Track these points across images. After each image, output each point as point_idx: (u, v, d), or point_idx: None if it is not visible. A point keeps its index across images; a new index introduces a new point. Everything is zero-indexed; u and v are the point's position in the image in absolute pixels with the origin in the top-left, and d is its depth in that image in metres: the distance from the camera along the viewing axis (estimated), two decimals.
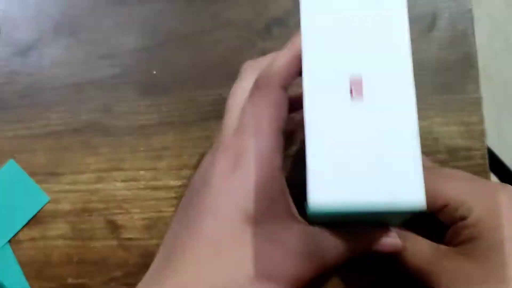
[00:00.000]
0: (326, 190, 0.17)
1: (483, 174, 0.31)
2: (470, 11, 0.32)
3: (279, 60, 0.23)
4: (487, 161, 0.31)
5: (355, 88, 0.18)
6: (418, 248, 0.25)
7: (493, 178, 0.72)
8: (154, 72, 0.33)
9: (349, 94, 0.18)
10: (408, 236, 0.25)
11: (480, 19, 0.94)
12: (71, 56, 0.33)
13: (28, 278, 0.31)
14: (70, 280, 0.31)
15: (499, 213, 0.22)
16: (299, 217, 0.24)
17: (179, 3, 0.34)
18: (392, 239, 0.24)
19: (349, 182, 0.17)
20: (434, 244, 0.25)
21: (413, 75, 0.18)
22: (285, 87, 0.24)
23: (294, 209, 0.24)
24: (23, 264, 0.31)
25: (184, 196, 0.26)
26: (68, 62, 0.33)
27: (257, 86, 0.24)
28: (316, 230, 0.23)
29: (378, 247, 0.24)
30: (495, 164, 0.75)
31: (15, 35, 0.34)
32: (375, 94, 0.18)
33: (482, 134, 0.31)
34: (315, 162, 0.18)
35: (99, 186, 0.32)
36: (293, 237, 0.22)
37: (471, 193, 0.23)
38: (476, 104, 0.31)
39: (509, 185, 0.24)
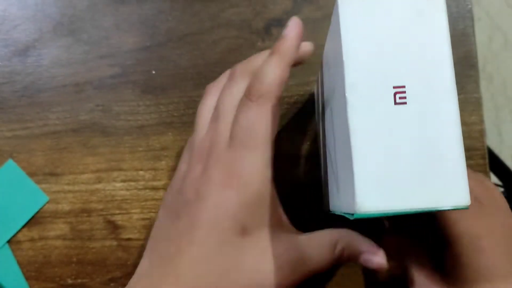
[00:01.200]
0: (372, 196, 0.18)
1: (483, 174, 0.31)
2: (470, 10, 0.32)
3: (272, 69, 0.24)
4: (487, 161, 0.31)
5: (398, 94, 0.18)
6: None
7: (493, 178, 0.72)
8: (153, 72, 0.33)
9: (392, 100, 0.18)
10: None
11: (480, 18, 0.94)
12: (70, 56, 0.33)
13: (27, 278, 0.31)
14: (69, 281, 0.31)
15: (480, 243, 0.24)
16: (289, 226, 0.25)
17: (179, 3, 0.34)
18: (379, 259, 0.25)
19: (395, 186, 0.18)
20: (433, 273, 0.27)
21: (454, 81, 0.18)
22: (278, 98, 0.24)
23: (284, 218, 0.25)
24: (22, 265, 0.31)
25: (169, 200, 0.26)
26: (67, 62, 0.33)
27: (250, 97, 0.24)
28: (302, 239, 0.25)
29: (364, 262, 0.25)
30: (495, 164, 0.75)
31: (14, 35, 0.34)
32: (418, 100, 0.18)
33: (482, 134, 0.31)
34: (361, 167, 0.18)
35: (98, 186, 0.32)
36: (281, 247, 0.24)
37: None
38: (476, 104, 0.31)
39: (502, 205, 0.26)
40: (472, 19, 0.32)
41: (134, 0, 0.34)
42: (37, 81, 0.33)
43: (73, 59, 0.33)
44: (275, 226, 0.24)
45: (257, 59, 0.26)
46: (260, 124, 0.23)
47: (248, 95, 0.24)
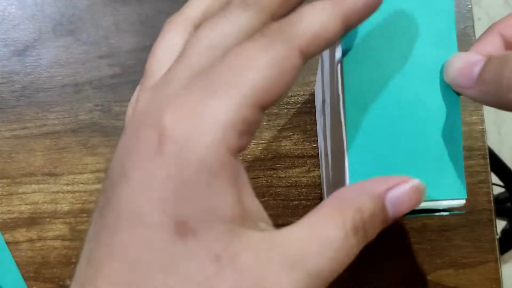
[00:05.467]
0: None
1: (484, 174, 0.31)
2: (470, 10, 0.32)
3: (320, 14, 0.16)
4: (488, 161, 0.31)
5: None
6: None
7: (494, 178, 0.72)
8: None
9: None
10: None
11: (480, 18, 0.94)
12: (70, 56, 0.33)
13: (26, 279, 0.31)
14: (68, 282, 0.31)
15: None
16: (262, 221, 0.16)
17: (178, 2, 0.33)
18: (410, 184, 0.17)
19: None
20: None
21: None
22: (307, 56, 0.16)
23: (255, 210, 0.16)
24: (21, 266, 0.31)
25: (102, 187, 0.17)
26: (66, 61, 0.33)
27: (268, 32, 0.15)
28: (285, 234, 0.15)
29: (396, 210, 0.17)
30: (496, 164, 0.75)
31: (13, 34, 0.34)
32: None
33: (482, 133, 0.31)
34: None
35: (97, 186, 0.32)
36: (249, 254, 0.15)
37: None
38: (476, 104, 0.31)
39: None
40: (472, 19, 0.32)
41: (133, 0, 0.34)
42: (36, 81, 0.33)
43: (73, 59, 0.33)
44: (234, 222, 0.15)
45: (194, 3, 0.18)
46: (263, 69, 0.15)
47: (265, 31, 0.15)
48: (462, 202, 0.18)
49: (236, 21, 0.16)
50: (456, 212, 0.18)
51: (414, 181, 0.16)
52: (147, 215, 0.15)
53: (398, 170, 0.18)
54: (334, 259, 0.15)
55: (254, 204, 0.16)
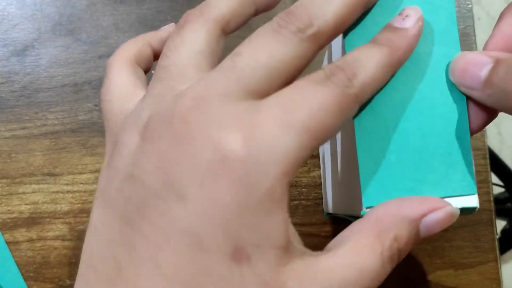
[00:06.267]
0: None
1: (484, 174, 0.31)
2: (471, 10, 0.32)
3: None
4: (488, 161, 0.31)
5: None
6: None
7: (494, 178, 0.72)
8: (153, 72, 0.33)
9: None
10: None
11: (480, 18, 0.94)
12: (69, 56, 0.33)
13: (26, 279, 0.31)
14: (68, 282, 0.31)
15: None
16: (301, 247, 0.17)
17: (178, 2, 0.34)
18: (444, 211, 0.18)
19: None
20: None
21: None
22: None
23: (295, 237, 0.17)
24: (21, 265, 0.31)
25: (112, 192, 0.17)
26: (66, 61, 0.33)
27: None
28: (326, 261, 0.16)
29: (428, 231, 0.18)
30: (496, 164, 0.75)
31: (12, 34, 0.34)
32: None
33: (482, 134, 0.31)
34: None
35: (97, 186, 0.32)
36: (295, 281, 0.15)
37: None
38: None
39: None
40: (472, 18, 0.32)
41: (133, 0, 0.34)
42: (36, 81, 0.33)
43: (72, 59, 0.33)
44: (283, 249, 0.15)
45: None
46: (331, 114, 0.15)
47: (331, 76, 0.16)
48: (473, 199, 0.18)
49: (294, 50, 0.16)
50: (469, 207, 0.18)
51: (449, 208, 0.17)
52: (205, 237, 0.14)
53: (407, 168, 0.18)
54: (369, 286, 0.16)
55: (291, 227, 0.17)
